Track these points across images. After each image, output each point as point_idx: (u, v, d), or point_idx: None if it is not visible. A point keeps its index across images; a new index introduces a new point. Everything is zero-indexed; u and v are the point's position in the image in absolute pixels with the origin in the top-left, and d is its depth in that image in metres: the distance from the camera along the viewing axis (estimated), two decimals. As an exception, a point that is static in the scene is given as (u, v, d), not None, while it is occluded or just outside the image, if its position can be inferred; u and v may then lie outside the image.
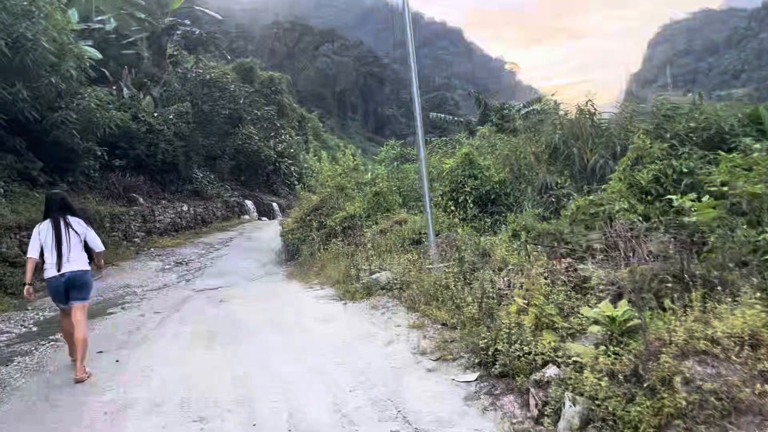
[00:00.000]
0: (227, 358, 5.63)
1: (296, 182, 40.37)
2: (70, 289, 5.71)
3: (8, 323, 9.19)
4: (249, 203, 29.35)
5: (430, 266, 7.97)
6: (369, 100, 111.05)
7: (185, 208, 23.04)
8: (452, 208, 9.60)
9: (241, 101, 25.37)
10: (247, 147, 31.83)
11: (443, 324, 5.84)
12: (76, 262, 5.76)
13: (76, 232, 5.87)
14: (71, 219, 5.95)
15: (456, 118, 30.78)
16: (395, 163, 14.90)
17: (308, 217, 13.11)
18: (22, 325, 9.06)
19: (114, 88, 23.27)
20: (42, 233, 5.81)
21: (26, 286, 5.75)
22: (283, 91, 41.78)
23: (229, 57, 38.68)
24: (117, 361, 5.90)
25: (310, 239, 11.81)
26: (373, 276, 7.83)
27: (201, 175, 26.94)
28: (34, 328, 8.76)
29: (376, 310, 6.89)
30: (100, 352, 6.38)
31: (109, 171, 20.82)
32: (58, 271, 5.64)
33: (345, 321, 6.69)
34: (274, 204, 32.44)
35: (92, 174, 19.42)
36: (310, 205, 13.87)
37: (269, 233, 20.07)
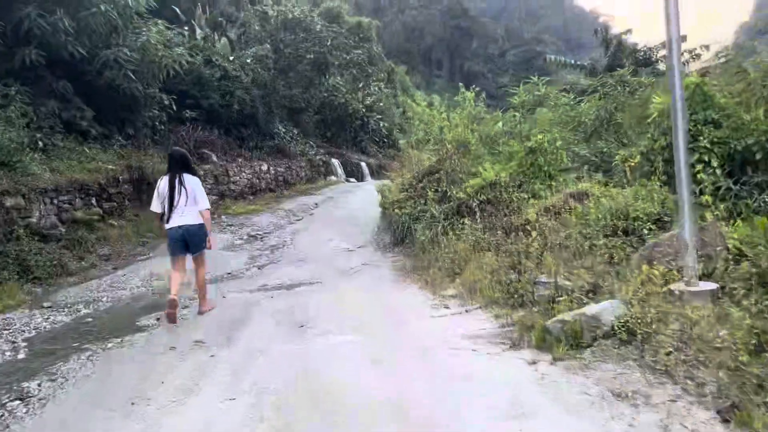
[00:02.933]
0: None
1: (386, 139, 36.82)
2: (187, 241, 6.24)
3: (-4, 336, 6.21)
4: (335, 162, 26.06)
5: (692, 288, 4.11)
6: (456, 56, 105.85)
7: (264, 167, 20.00)
8: (702, 175, 5.53)
9: (329, 43, 21.77)
10: (333, 99, 28.42)
11: None
12: (189, 216, 6.21)
13: (185, 189, 6.22)
14: (185, 176, 6.31)
15: (577, 62, 25.82)
16: (535, 109, 10.78)
17: (420, 184, 9.43)
18: (12, 342, 6.05)
19: (186, 28, 20.30)
20: (160, 187, 6.33)
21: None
22: (372, 38, 37.92)
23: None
24: None
25: (428, 217, 8.12)
26: (588, 311, 4.03)
27: (283, 129, 23.79)
28: (21, 353, 5.67)
29: (631, 405, 3.10)
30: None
31: (179, 124, 18.03)
32: (172, 222, 6.18)
33: None
34: (363, 163, 29.05)
35: (158, 126, 16.62)
36: (421, 167, 10.18)
37: (361, 199, 16.63)
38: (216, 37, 20.80)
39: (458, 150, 9.70)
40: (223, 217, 14.63)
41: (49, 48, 12.20)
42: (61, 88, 12.71)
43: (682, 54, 20.82)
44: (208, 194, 16.38)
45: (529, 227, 6.41)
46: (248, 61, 20.21)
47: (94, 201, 11.80)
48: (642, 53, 23.18)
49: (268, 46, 21.42)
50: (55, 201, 10.88)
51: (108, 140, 14.05)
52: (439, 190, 8.92)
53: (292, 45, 22.60)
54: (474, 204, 7.48)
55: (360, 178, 27.48)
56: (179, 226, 6.14)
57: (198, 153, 17.52)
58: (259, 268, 8.93)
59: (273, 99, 21.79)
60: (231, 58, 20.08)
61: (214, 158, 17.73)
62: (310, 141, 26.05)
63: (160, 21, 14.91)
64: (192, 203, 6.21)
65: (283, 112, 24.15)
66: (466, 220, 7.40)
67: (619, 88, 11.18)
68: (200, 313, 6.34)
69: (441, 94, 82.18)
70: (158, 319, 6.42)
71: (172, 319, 5.87)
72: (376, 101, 34.43)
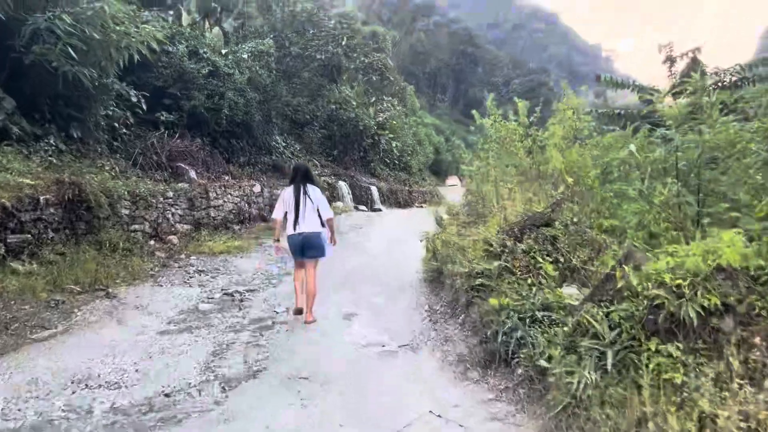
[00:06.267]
0: None
1: (397, 161, 32.86)
2: (305, 246, 6.66)
3: None
4: (343, 186, 22.00)
5: None
6: (460, 81, 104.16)
7: (257, 188, 15.94)
8: None
9: (343, 42, 17.89)
10: (342, 113, 24.49)
11: None
12: (310, 224, 6.64)
13: (311, 199, 6.71)
14: (309, 187, 6.81)
15: (636, 82, 21.96)
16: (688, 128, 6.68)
17: (520, 245, 5.34)
18: None
19: (171, 12, 16.39)
20: (285, 198, 6.82)
21: (276, 242, 6.98)
22: (387, 49, 34.25)
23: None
24: None
25: (573, 331, 4.03)
26: None
27: (283, 143, 19.78)
28: None
29: None
30: None
31: (151, 128, 14.06)
32: (295, 230, 6.65)
33: None
34: (373, 188, 25.02)
35: (120, 129, 12.62)
36: (510, 212, 6.16)
37: (384, 238, 12.57)
38: (207, 26, 16.91)
39: (580, 188, 5.70)
40: (192, 258, 10.50)
41: (-54, 4, 8.27)
42: (-37, 63, 8.71)
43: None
44: (178, 222, 12.30)
45: None
46: (245, 56, 16.27)
47: (-10, 233, 7.71)
48: (721, 75, 19.24)
49: (271, 41, 17.52)
50: None
51: (39, 143, 10.02)
52: (562, 261, 4.87)
53: (300, 43, 18.75)
54: (692, 314, 3.40)
55: (370, 205, 23.46)
56: (299, 233, 6.60)
57: (171, 167, 13.49)
58: (223, 389, 4.79)
59: (273, 106, 17.84)
60: (223, 51, 16.14)
61: (192, 174, 13.69)
62: (314, 159, 22.07)
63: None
64: (314, 212, 6.67)
65: (284, 123, 20.21)
66: (677, 352, 3.33)
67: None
68: (306, 322, 6.56)
69: (443, 118, 79.07)
70: None
71: (299, 314, 6.74)
72: (389, 118, 30.58)
